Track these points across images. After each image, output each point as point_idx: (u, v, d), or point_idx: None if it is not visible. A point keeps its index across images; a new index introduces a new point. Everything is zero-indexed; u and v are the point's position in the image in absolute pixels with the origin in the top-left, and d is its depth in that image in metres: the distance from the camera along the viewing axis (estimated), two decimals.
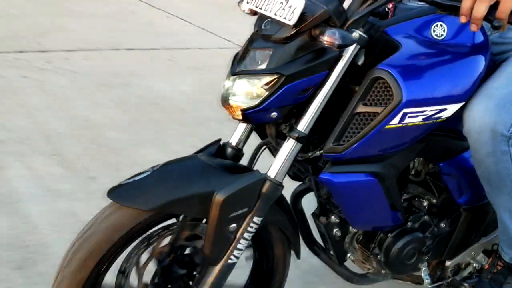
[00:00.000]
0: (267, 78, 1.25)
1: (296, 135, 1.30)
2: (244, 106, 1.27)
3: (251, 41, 1.32)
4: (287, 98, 1.27)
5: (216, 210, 1.26)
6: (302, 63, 1.26)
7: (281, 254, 1.54)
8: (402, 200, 1.61)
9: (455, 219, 1.69)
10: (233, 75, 1.28)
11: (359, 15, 1.26)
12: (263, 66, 1.26)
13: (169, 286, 1.38)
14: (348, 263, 1.69)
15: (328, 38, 1.18)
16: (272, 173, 1.32)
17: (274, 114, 1.29)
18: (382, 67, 1.30)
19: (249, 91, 1.26)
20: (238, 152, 1.45)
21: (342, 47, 1.20)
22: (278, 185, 1.32)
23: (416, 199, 1.66)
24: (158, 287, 1.37)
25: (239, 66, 1.29)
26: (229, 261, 1.33)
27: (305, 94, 1.29)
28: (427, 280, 1.72)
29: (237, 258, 1.34)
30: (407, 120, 1.31)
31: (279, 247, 1.53)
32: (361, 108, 1.30)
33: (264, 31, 1.28)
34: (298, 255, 1.57)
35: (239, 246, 1.32)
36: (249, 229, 1.32)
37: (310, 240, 1.67)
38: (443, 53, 1.38)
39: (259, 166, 1.44)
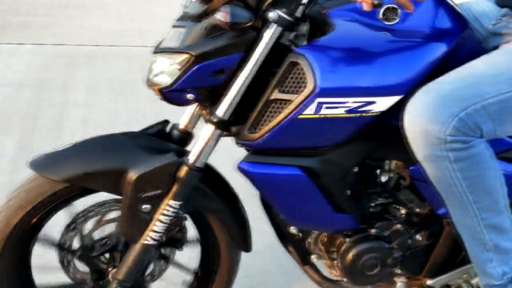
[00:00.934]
0: (179, 57, 1.24)
1: (215, 120, 1.27)
2: (161, 85, 1.27)
3: (176, 19, 1.31)
4: (200, 79, 1.25)
5: (127, 188, 1.29)
6: (214, 43, 1.22)
7: (224, 247, 1.51)
8: (373, 204, 1.48)
9: (436, 232, 1.50)
10: (154, 53, 1.28)
11: None
12: (176, 44, 1.24)
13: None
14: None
15: (219, 15, 1.13)
16: (191, 158, 1.29)
17: (190, 95, 1.27)
18: (298, 51, 1.21)
19: (164, 70, 1.26)
20: (186, 135, 1.44)
21: (234, 25, 1.14)
22: (196, 171, 1.30)
23: (394, 205, 1.50)
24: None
25: (160, 44, 1.29)
26: (146, 242, 1.34)
27: (220, 76, 1.25)
28: None
29: (155, 240, 1.35)
30: (325, 111, 1.20)
31: (221, 238, 1.49)
32: (276, 95, 1.22)
33: (185, 9, 1.27)
34: (245, 249, 1.52)
35: (155, 228, 1.33)
36: (165, 212, 1.32)
37: (279, 234, 1.60)
38: (384, 40, 1.24)
39: None
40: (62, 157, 1.32)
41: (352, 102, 1.20)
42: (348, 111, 1.21)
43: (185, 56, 1.23)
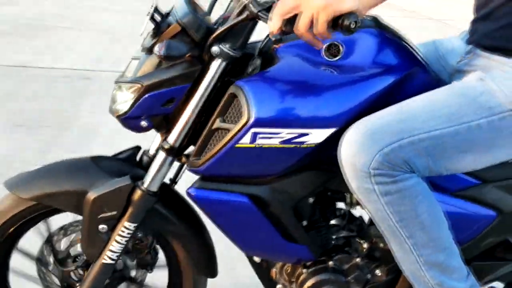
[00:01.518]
0: (132, 87, 1.33)
1: (166, 147, 1.35)
2: (118, 113, 1.37)
3: (135, 51, 1.41)
4: (151, 108, 1.33)
5: (86, 208, 1.38)
6: (163, 74, 1.31)
7: (188, 271, 1.56)
8: (334, 237, 1.49)
9: (397, 269, 1.48)
10: (115, 83, 1.39)
11: (219, 30, 1.26)
12: (131, 75, 1.34)
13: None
14: None
15: (156, 48, 1.22)
16: (145, 183, 1.38)
17: (143, 123, 1.36)
18: (237, 83, 1.27)
19: (121, 99, 1.36)
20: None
21: (169, 58, 1.22)
22: (149, 195, 1.38)
23: (357, 239, 1.51)
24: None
25: (121, 75, 1.39)
26: (104, 261, 1.43)
27: (170, 105, 1.33)
28: None
29: (113, 260, 1.43)
30: (260, 141, 1.25)
31: (185, 263, 1.55)
32: (218, 124, 1.28)
33: (143, 42, 1.37)
34: (209, 274, 1.57)
35: (112, 248, 1.41)
36: (121, 233, 1.40)
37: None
38: (322, 75, 1.27)
39: None
40: (32, 177, 1.44)
41: (286, 133, 1.24)
42: (283, 142, 1.25)
43: (136, 86, 1.32)
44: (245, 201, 1.34)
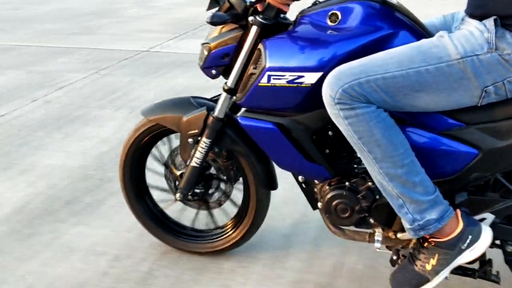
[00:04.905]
0: (206, 47, 1.99)
1: (226, 88, 1.97)
2: (199, 64, 2.04)
3: None
4: (215, 61, 1.96)
5: (180, 127, 2.09)
6: (220, 37, 1.93)
7: (253, 186, 2.13)
8: (356, 166, 1.94)
9: None
10: (201, 45, 2.06)
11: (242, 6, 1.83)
12: (206, 39, 2.00)
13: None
14: None
15: (206, 18, 1.84)
16: (215, 112, 2.03)
17: (214, 71, 1.99)
18: (262, 41, 1.82)
19: (201, 55, 2.02)
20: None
21: (214, 24, 1.83)
22: (217, 120, 2.02)
23: None
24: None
25: (204, 39, 2.05)
26: (193, 165, 2.12)
27: (227, 59, 1.94)
28: (376, 244, 1.94)
29: (198, 164, 2.10)
30: (273, 81, 1.78)
31: (250, 179, 2.13)
32: (251, 70, 1.85)
33: None
34: (271, 187, 2.14)
35: (197, 155, 2.09)
36: (202, 145, 2.07)
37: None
38: (322, 35, 1.74)
39: None
40: (154, 107, 2.19)
41: (288, 75, 1.75)
42: (288, 82, 1.75)
43: (207, 46, 1.96)
44: (273, 127, 1.87)
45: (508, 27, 1.55)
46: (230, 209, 2.34)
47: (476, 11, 1.61)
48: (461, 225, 1.68)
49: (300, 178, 2.03)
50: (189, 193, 2.18)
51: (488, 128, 1.68)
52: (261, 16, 1.81)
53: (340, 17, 1.74)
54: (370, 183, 1.87)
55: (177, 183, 2.22)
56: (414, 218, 1.67)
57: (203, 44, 2.00)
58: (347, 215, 1.92)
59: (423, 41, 1.62)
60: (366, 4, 1.72)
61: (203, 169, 2.15)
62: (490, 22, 1.55)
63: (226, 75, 1.98)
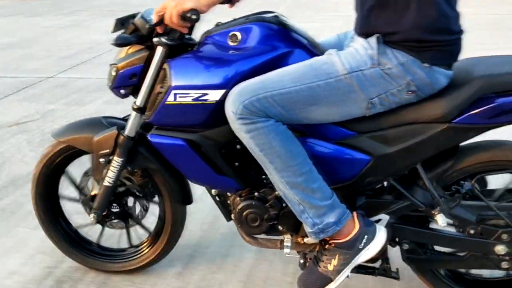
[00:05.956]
0: (113, 67, 2.04)
1: (135, 107, 2.03)
2: (108, 85, 2.08)
3: None
4: (123, 81, 2.01)
5: (92, 147, 2.12)
6: (127, 58, 1.99)
7: (168, 203, 2.20)
8: (264, 176, 2.03)
9: None
10: (109, 65, 2.10)
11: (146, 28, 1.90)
12: (113, 60, 2.05)
13: None
14: None
15: (112, 39, 1.89)
16: (125, 131, 2.07)
17: (123, 91, 2.05)
18: (168, 61, 1.90)
19: (109, 75, 2.07)
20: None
21: (118, 45, 1.89)
22: (128, 139, 2.07)
23: None
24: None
25: (113, 60, 2.10)
26: (106, 184, 2.15)
27: (134, 79, 2.00)
28: (285, 249, 2.04)
29: (111, 183, 2.14)
30: (179, 99, 1.86)
31: (165, 196, 2.20)
32: (159, 89, 1.92)
33: None
34: (186, 202, 2.20)
35: (109, 174, 2.13)
36: (113, 164, 2.11)
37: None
38: (223, 54, 1.84)
39: None
40: (67, 127, 2.21)
41: (194, 93, 1.83)
42: (193, 100, 1.84)
43: (115, 67, 2.02)
44: (183, 143, 1.95)
45: (389, 43, 1.71)
46: (148, 226, 2.38)
47: (362, 30, 1.77)
48: (357, 226, 1.81)
49: (213, 191, 2.11)
50: (104, 213, 2.21)
51: (377, 136, 1.83)
52: (166, 37, 1.89)
53: (240, 37, 1.85)
54: (277, 193, 1.97)
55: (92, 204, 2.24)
56: (314, 222, 1.80)
57: (111, 64, 2.05)
58: (257, 224, 2.01)
59: (315, 58, 1.76)
60: (264, 26, 1.85)
61: (117, 188, 2.19)
62: (373, 39, 1.71)
63: (136, 94, 2.04)
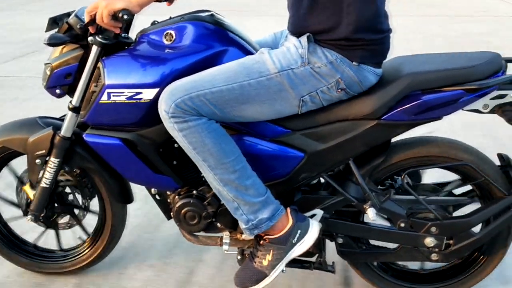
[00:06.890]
0: (48, 67, 2.01)
1: (71, 106, 2.01)
2: (43, 85, 2.05)
3: None
4: (58, 80, 1.99)
5: (27, 148, 2.09)
6: (61, 58, 1.97)
7: (108, 203, 2.19)
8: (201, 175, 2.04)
9: None
10: (44, 64, 2.07)
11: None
12: (48, 59, 2.02)
13: None
14: None
15: (44, 39, 1.87)
16: (62, 131, 2.05)
17: (58, 91, 2.02)
18: (102, 60, 1.88)
19: (44, 75, 2.04)
20: None
21: (51, 45, 1.87)
22: (64, 139, 2.04)
23: None
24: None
25: (47, 59, 2.07)
26: (43, 185, 2.11)
27: (69, 78, 1.98)
28: (224, 246, 2.06)
29: (48, 184, 2.11)
30: (113, 98, 1.85)
31: (104, 196, 2.17)
32: (93, 88, 1.91)
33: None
34: (126, 201, 2.19)
35: (46, 175, 2.10)
36: (50, 165, 2.08)
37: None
38: (158, 53, 1.84)
39: None
40: (1, 128, 2.17)
41: (127, 92, 1.83)
42: (127, 98, 1.84)
43: (50, 66, 2.00)
44: (119, 143, 1.94)
45: (320, 42, 1.75)
46: (88, 225, 2.36)
47: (294, 29, 1.80)
48: (291, 221, 1.85)
49: (152, 190, 2.11)
50: (43, 214, 2.18)
51: (310, 133, 1.88)
52: (100, 36, 1.88)
53: (174, 36, 1.86)
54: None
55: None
56: (249, 218, 1.82)
57: (45, 64, 2.03)
58: (195, 221, 2.03)
59: (248, 57, 1.79)
60: (199, 24, 1.86)
61: (56, 188, 2.17)
62: (304, 38, 1.75)
63: (72, 93, 2.03)
